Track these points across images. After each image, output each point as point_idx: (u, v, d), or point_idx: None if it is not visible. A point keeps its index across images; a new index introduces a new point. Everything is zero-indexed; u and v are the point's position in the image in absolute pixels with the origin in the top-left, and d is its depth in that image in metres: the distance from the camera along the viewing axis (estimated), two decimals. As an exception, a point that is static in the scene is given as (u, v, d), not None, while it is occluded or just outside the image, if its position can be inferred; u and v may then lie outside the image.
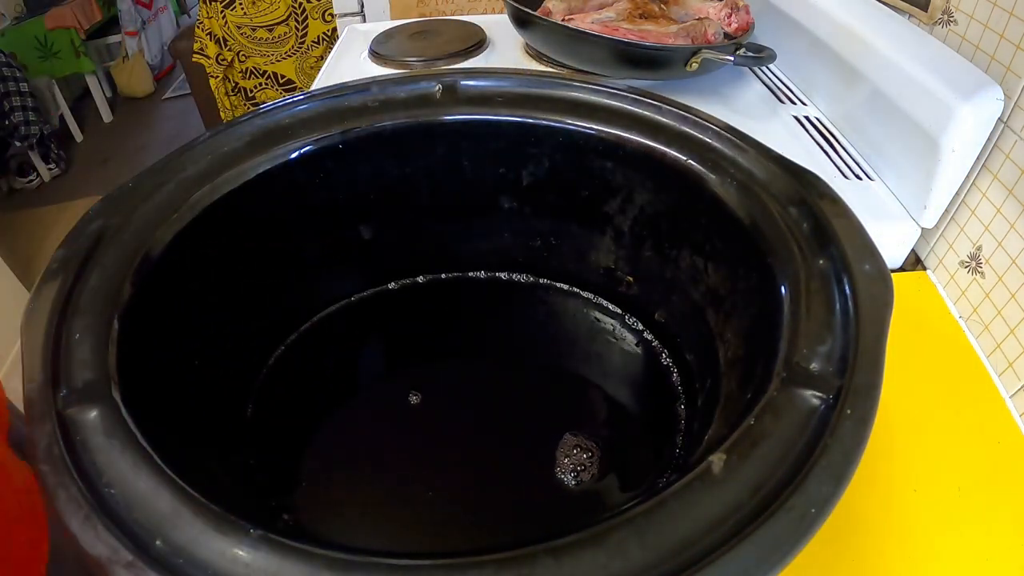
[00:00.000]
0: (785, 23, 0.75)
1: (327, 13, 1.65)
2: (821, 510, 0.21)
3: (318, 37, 1.70)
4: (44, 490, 0.22)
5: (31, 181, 2.28)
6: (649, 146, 0.38)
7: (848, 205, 0.32)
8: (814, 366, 0.26)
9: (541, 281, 0.48)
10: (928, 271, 0.57)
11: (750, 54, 0.68)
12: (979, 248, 0.51)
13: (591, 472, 0.38)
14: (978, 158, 0.51)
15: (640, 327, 0.45)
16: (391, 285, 0.48)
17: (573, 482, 0.37)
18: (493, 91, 0.41)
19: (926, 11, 0.58)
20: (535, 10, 0.77)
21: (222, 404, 0.38)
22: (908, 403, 0.45)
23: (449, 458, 0.39)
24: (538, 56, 0.85)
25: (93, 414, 0.24)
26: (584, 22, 0.74)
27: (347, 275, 0.47)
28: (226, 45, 1.71)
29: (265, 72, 1.75)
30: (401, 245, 0.47)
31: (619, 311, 0.46)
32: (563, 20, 0.75)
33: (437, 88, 0.41)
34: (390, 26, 0.95)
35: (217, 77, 1.75)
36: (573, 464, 0.38)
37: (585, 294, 0.48)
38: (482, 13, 1.17)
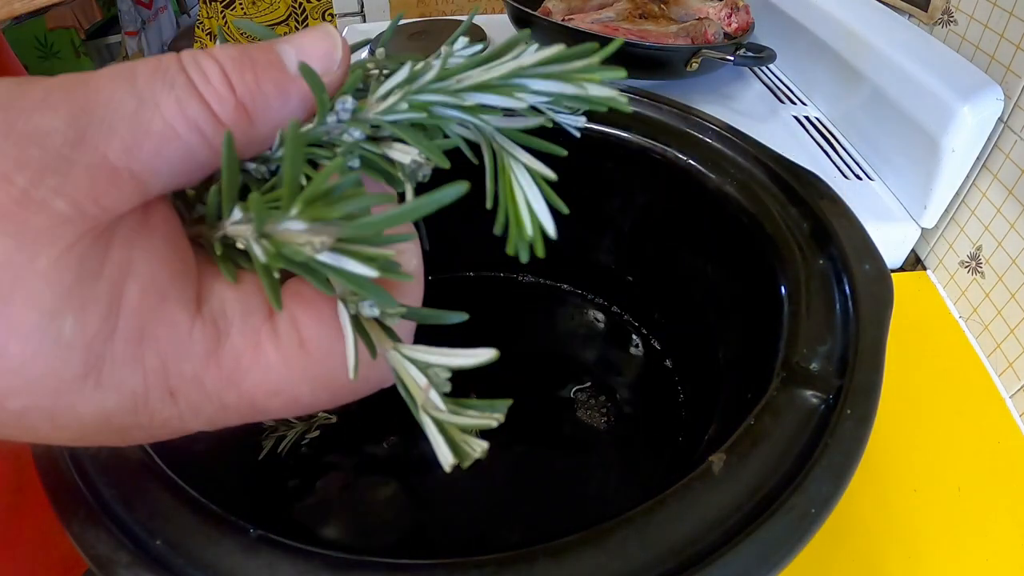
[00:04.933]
0: (785, 23, 0.75)
1: (327, 13, 1.65)
2: (821, 510, 0.21)
3: (318, 37, 1.70)
4: (45, 490, 0.22)
5: (31, 181, 2.28)
6: (649, 146, 0.38)
7: (848, 205, 0.32)
8: (814, 366, 0.26)
9: (541, 281, 0.48)
10: (928, 271, 0.57)
11: (750, 54, 0.68)
12: (979, 248, 0.51)
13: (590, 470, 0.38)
14: (978, 158, 0.51)
15: (640, 327, 0.45)
16: (391, 285, 0.48)
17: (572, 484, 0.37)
18: (493, 91, 0.41)
19: (926, 11, 0.58)
20: (535, 10, 0.77)
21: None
22: (908, 403, 0.45)
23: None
24: (538, 56, 0.85)
25: (93, 414, 0.24)
26: (584, 22, 0.74)
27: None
28: (226, 45, 1.71)
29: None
30: (401, 245, 0.47)
31: (619, 311, 0.46)
32: (563, 20, 0.75)
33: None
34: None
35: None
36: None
37: (585, 294, 0.48)
38: (482, 13, 1.17)
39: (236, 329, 0.15)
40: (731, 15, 0.74)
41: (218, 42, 0.23)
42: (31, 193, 0.13)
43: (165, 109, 0.15)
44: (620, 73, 0.16)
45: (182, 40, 2.27)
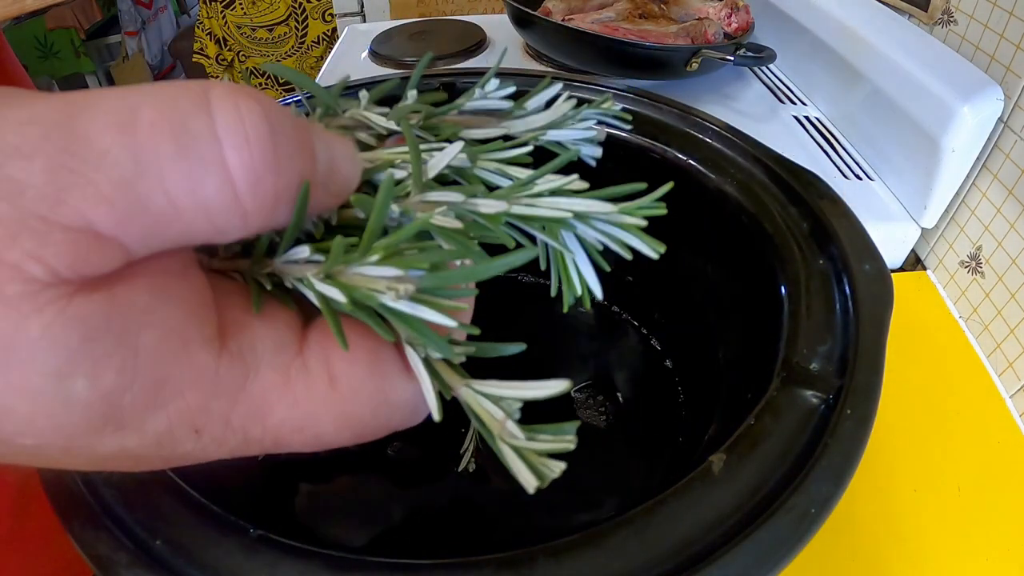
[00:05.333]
0: (785, 23, 0.75)
1: (327, 13, 1.65)
2: (821, 510, 0.21)
3: (318, 37, 1.70)
4: (45, 492, 0.22)
5: (31, 181, 2.27)
6: (649, 146, 0.38)
7: (848, 205, 0.32)
8: (814, 366, 0.26)
9: (541, 281, 0.48)
10: (928, 271, 0.57)
11: (750, 54, 0.68)
12: (979, 248, 0.51)
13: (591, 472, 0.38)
14: (978, 158, 0.51)
15: (640, 327, 0.45)
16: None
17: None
18: (493, 91, 0.41)
19: (926, 11, 0.58)
20: (535, 10, 0.77)
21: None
22: (908, 403, 0.45)
23: (457, 447, 0.39)
24: (538, 56, 0.85)
25: (93, 414, 0.24)
26: (584, 22, 0.74)
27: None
28: (226, 45, 1.71)
29: (265, 72, 1.75)
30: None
31: (619, 311, 0.46)
32: (563, 20, 0.75)
33: (437, 88, 0.41)
34: (390, 26, 0.95)
35: (217, 77, 1.75)
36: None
37: (585, 294, 0.48)
38: (482, 13, 1.17)
39: (266, 364, 0.15)
40: (731, 15, 0.75)
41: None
42: (2, 255, 0.11)
43: (170, 185, 0.13)
44: (661, 211, 0.18)
45: (182, 40, 2.27)
